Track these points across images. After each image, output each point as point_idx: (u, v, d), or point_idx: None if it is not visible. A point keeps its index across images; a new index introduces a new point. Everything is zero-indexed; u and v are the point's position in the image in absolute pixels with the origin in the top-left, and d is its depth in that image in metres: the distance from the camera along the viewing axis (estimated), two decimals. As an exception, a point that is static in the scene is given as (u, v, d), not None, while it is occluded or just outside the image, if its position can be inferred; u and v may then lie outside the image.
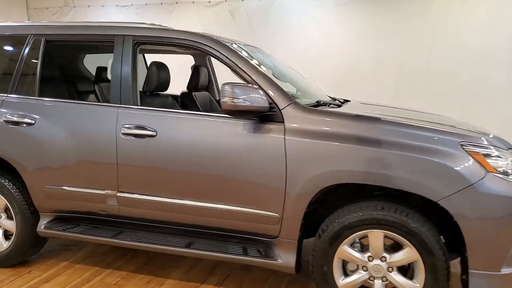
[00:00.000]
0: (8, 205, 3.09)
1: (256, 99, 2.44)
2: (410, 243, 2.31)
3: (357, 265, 2.46)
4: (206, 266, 3.28)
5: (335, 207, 2.50)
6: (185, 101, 3.79)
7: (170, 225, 2.87)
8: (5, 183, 3.07)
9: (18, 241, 3.10)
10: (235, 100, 2.41)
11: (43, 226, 3.06)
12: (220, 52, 2.71)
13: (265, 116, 2.53)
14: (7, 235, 3.19)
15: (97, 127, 2.85)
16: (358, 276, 2.45)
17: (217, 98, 4.40)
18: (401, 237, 2.33)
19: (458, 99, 6.12)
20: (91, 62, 4.29)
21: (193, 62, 4.27)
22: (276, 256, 2.59)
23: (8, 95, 3.07)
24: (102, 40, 3.04)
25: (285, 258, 2.56)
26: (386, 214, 2.33)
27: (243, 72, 2.64)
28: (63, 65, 3.88)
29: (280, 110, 2.53)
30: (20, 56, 3.10)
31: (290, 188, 2.46)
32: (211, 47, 2.73)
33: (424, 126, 2.49)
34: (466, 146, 2.27)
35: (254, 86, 2.50)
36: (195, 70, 3.88)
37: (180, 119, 2.76)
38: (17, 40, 3.20)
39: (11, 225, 3.12)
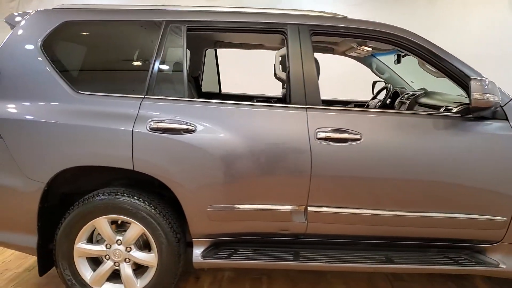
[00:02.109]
0: (148, 233, 2.45)
1: (497, 93, 2.28)
2: None
3: None
4: (362, 279, 3.00)
5: None
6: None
7: (356, 240, 2.58)
8: (145, 206, 2.44)
9: (160, 277, 2.50)
10: (484, 96, 2.23)
11: (200, 256, 2.50)
12: (425, 48, 2.49)
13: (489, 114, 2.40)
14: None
15: (282, 132, 2.40)
16: None
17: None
18: None
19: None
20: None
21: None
22: (497, 262, 2.45)
23: (146, 96, 2.45)
24: (267, 30, 2.57)
25: (510, 264, 2.44)
26: None
27: (455, 68, 2.47)
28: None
29: (502, 106, 2.40)
30: (156, 48, 2.49)
31: (522, 189, 2.35)
32: (413, 41, 2.50)
33: None
34: None
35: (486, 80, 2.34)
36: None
37: (391, 120, 2.45)
38: (146, 27, 2.57)
39: (149, 258, 2.50)
